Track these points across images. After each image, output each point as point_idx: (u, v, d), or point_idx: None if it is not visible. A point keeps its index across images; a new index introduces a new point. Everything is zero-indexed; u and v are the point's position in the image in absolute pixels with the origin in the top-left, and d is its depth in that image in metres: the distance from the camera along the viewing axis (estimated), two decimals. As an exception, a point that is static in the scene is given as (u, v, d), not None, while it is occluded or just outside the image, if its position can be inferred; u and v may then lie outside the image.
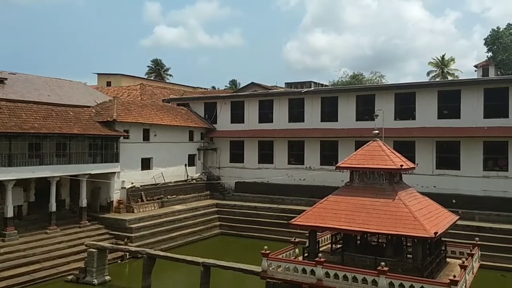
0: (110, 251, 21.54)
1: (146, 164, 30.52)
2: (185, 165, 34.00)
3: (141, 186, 29.42)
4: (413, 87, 29.83)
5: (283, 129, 33.16)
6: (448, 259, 16.98)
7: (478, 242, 17.72)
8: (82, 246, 21.92)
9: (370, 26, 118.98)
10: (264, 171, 33.56)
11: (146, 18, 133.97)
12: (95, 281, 19.96)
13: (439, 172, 27.80)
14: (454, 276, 13.02)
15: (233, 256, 22.42)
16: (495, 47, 50.97)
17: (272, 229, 28.37)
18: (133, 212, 27.57)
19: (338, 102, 31.55)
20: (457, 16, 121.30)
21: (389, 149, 17.06)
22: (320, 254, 15.17)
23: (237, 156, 35.31)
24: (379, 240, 17.44)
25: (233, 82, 77.67)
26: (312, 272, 14.51)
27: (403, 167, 16.10)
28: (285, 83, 53.99)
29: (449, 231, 15.98)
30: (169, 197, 30.92)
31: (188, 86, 57.12)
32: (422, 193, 17.61)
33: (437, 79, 54.85)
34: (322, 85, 55.62)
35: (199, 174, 35.21)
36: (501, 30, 51.56)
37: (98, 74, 54.72)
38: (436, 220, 15.29)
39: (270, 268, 15.44)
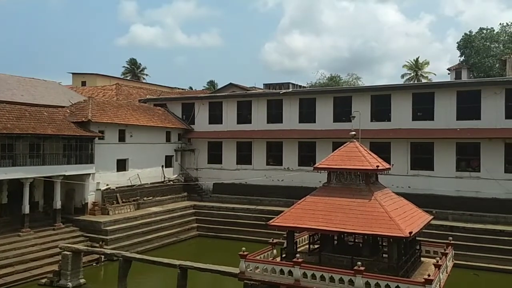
0: (85, 254, 21.19)
1: (121, 165, 30.09)
2: (162, 166, 33.66)
3: (116, 187, 28.98)
4: (389, 89, 30.33)
5: (262, 130, 33.21)
6: (422, 258, 17.28)
7: (452, 242, 18.10)
8: (56, 248, 21.49)
9: (347, 28, 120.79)
10: (243, 172, 33.52)
11: (122, 16, 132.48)
12: (70, 285, 19.58)
13: (413, 172, 28.33)
14: (429, 275, 13.24)
15: (210, 258, 22.30)
16: (467, 50, 52.34)
17: (250, 230, 28.36)
18: (108, 214, 27.13)
19: (316, 103, 31.80)
20: (432, 20, 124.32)
21: (365, 150, 17.28)
22: (298, 255, 15.21)
23: (215, 157, 35.17)
24: (356, 240, 17.61)
25: (211, 83, 77.40)
26: (290, 272, 14.55)
27: (379, 168, 16.32)
28: (264, 84, 54.21)
29: (423, 230, 16.27)
30: (145, 199, 30.54)
31: (165, 87, 56.66)
32: (397, 193, 17.89)
33: (411, 82, 55.93)
34: (300, 86, 56.02)
35: (176, 175, 34.92)
36: (473, 34, 52.98)
37: (72, 73, 53.75)
38: (410, 220, 15.54)
39: (248, 270, 15.41)
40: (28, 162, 23.39)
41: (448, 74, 55.86)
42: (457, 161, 27.50)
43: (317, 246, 17.49)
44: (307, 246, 18.03)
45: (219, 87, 56.17)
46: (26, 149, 23.36)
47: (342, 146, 17.41)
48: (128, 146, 30.52)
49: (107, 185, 28.44)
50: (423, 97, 28.67)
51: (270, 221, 16.40)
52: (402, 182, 27.13)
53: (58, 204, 25.24)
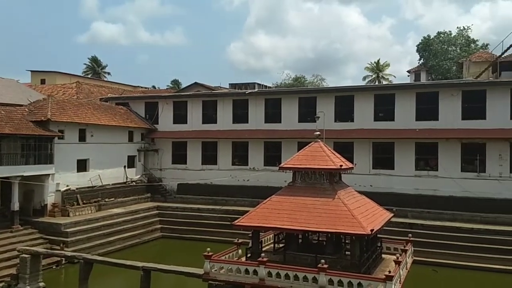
0: (44, 257, 20.48)
1: (82, 165, 29.28)
2: (124, 166, 32.99)
3: (77, 188, 28.18)
4: (352, 90, 30.97)
5: (227, 130, 33.13)
6: (383, 255, 17.74)
7: (411, 238, 18.68)
8: (14, 251, 20.62)
9: (312, 29, 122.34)
10: (208, 172, 33.32)
11: (82, 13, 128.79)
12: (28, 289, 18.88)
13: (375, 171, 29.02)
14: (389, 272, 13.60)
15: (174, 260, 22.06)
16: (426, 53, 54.19)
17: (216, 230, 28.23)
18: (68, 216, 26.38)
19: (281, 103, 32.03)
20: (393, 23, 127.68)
21: (329, 149, 17.55)
22: (262, 254, 15.29)
23: (179, 157, 34.78)
24: (320, 238, 17.89)
25: (175, 82, 76.53)
26: (255, 272, 14.60)
27: (342, 167, 16.63)
28: (229, 84, 54.03)
29: (384, 228, 16.68)
30: (107, 200, 29.84)
31: (128, 85, 55.53)
32: (360, 192, 18.30)
33: (372, 83, 57.32)
34: (266, 86, 56.25)
35: (139, 176, 34.29)
36: (432, 37, 54.89)
37: (31, 71, 51.76)
38: (372, 218, 15.92)
39: (213, 270, 15.35)
40: (-17, 162, 22.41)
41: (408, 76, 57.57)
42: (416, 161, 28.39)
43: (282, 245, 17.63)
44: (272, 245, 18.14)
45: (183, 86, 55.54)
46: (-19, 149, 22.39)
47: (307, 146, 17.63)
48: (89, 146, 29.72)
49: (67, 186, 27.63)
50: (384, 98, 29.42)
51: (235, 221, 16.40)
52: (365, 181, 27.70)
53: (16, 205, 24.32)
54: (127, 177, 32.97)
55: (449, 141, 27.35)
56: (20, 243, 22.14)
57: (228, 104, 33.64)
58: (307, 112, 30.32)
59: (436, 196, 27.17)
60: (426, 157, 28.40)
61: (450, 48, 53.28)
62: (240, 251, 17.34)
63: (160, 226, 30.47)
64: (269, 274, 14.40)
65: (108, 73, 71.61)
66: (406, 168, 28.31)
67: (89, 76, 65.46)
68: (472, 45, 54.12)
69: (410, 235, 19.12)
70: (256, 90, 39.25)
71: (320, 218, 15.17)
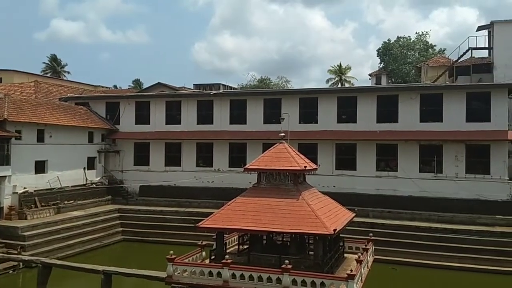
0: (0, 261, 19.85)
1: (40, 167, 28.29)
2: (84, 168, 32.07)
3: (35, 191, 27.19)
4: (316, 92, 31.45)
5: (192, 131, 32.80)
6: (346, 254, 18.05)
7: (372, 238, 19.10)
8: (-33, 257, 19.70)
9: (277, 31, 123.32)
10: (171, 174, 32.87)
11: (41, 10, 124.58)
12: (-19, 296, 18.07)
13: (338, 172, 29.52)
14: (351, 271, 13.85)
15: (137, 263, 21.68)
16: (386, 57, 55.71)
17: (179, 233, 27.86)
18: (26, 219, 25.43)
19: (246, 105, 32.05)
20: (355, 27, 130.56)
21: (294, 151, 17.71)
22: (227, 256, 15.21)
23: (142, 158, 34.11)
24: (284, 239, 17.99)
25: (137, 82, 75.19)
26: (219, 274, 14.52)
27: (306, 168, 16.81)
28: (194, 84, 53.59)
29: (346, 227, 16.97)
30: (66, 202, 28.92)
31: (88, 85, 54.09)
32: (324, 193, 18.55)
33: (335, 86, 58.39)
34: (231, 87, 56.18)
35: (99, 178, 33.42)
36: (392, 42, 56.50)
37: (-14, 69, 49.53)
38: (335, 218, 16.17)
39: (176, 273, 15.14)
40: None
41: (369, 79, 59.04)
42: (377, 162, 29.10)
43: (247, 246, 17.61)
44: (236, 247, 18.10)
45: (146, 86, 54.58)
46: None
47: (271, 147, 17.70)
48: (48, 147, 28.74)
49: (25, 188, 26.61)
50: (346, 101, 30.00)
51: (199, 223, 16.25)
52: (328, 182, 28.09)
53: (-32, 209, 23.25)
54: (87, 179, 32.08)
55: (408, 143, 28.21)
56: (-27, 248, 21.18)
57: (192, 104, 33.33)
58: (272, 114, 30.48)
59: (396, 196, 27.91)
60: (387, 158, 29.17)
61: (409, 53, 55.00)
62: (204, 253, 17.20)
63: (121, 229, 29.80)
64: (233, 275, 14.35)
65: (68, 72, 69.58)
66: (367, 169, 28.96)
67: (48, 75, 63.31)
68: (430, 50, 56.06)
69: (371, 234, 19.55)
70: (221, 91, 39.12)
71: (285, 219, 15.25)
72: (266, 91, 40.51)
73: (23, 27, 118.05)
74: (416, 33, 58.58)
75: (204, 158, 32.89)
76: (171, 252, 15.41)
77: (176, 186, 32.12)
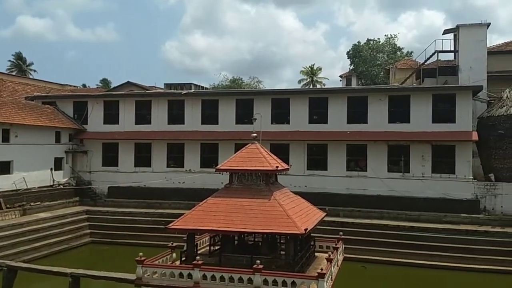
0: (-39, 266, 18.89)
1: (5, 168, 27.46)
2: (51, 169, 31.22)
3: (-1, 192, 26.34)
4: (288, 93, 31.67)
5: (162, 131, 32.41)
6: (316, 253, 18.21)
7: (342, 236, 19.35)
8: None
9: (249, 31, 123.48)
10: (141, 174, 32.39)
11: (6, 5, 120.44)
12: None
13: (309, 172, 29.81)
14: (322, 269, 13.99)
15: (105, 265, 21.22)
16: (356, 59, 56.70)
17: (149, 234, 27.46)
18: (-12, 222, 24.55)
19: (218, 105, 31.92)
20: (326, 29, 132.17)
21: (266, 151, 17.71)
22: (198, 257, 15.07)
23: (110, 159, 33.47)
24: (256, 239, 18.00)
25: (106, 81, 73.76)
26: (189, 275, 14.37)
27: (278, 169, 16.87)
28: (164, 84, 52.91)
29: (317, 227, 17.14)
30: (32, 204, 28.08)
31: (55, 83, 52.53)
32: (295, 192, 18.66)
33: (307, 87, 59.00)
34: (202, 87, 55.83)
35: (67, 179, 32.61)
36: (361, 44, 57.54)
37: None
38: (306, 218, 16.29)
39: (146, 275, 14.91)
40: None
41: (340, 80, 59.96)
42: (347, 162, 29.56)
43: (218, 247, 17.53)
44: (207, 248, 17.99)
45: (115, 85, 53.57)
46: None
47: (243, 148, 17.67)
48: (13, 147, 27.89)
49: (-14, 190, 25.73)
50: (318, 101, 30.32)
51: (170, 225, 16.06)
52: (300, 182, 28.32)
53: None
54: (54, 180, 31.26)
55: (377, 143, 28.76)
56: None
57: (163, 104, 32.95)
58: (244, 114, 30.49)
59: (366, 195, 28.41)
60: (356, 158, 29.66)
61: (378, 55, 56.18)
62: (174, 254, 17.00)
63: (89, 231, 29.17)
64: (204, 277, 14.25)
65: (34, 71, 67.65)
66: (338, 169, 29.36)
67: (13, 73, 61.30)
68: (398, 52, 57.41)
69: (341, 233, 19.80)
70: (192, 90, 38.80)
71: (256, 219, 15.25)
72: (238, 91, 40.47)
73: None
74: (385, 35, 60.00)
75: (175, 158, 32.56)
76: (141, 254, 15.16)
77: (146, 187, 31.69)
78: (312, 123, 30.07)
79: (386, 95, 29.09)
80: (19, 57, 66.63)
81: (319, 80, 63.50)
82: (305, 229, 14.82)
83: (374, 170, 28.74)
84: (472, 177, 27.50)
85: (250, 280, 13.83)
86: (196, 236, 17.02)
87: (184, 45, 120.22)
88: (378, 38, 58.44)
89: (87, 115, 34.13)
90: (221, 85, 60.43)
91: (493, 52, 33.63)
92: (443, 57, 35.96)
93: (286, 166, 18.11)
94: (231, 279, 14.04)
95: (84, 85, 64.78)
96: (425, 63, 35.29)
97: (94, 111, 34.05)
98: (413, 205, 27.31)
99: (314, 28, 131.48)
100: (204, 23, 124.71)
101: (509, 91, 28.28)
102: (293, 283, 13.63)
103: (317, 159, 30.02)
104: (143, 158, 32.97)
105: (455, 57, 35.03)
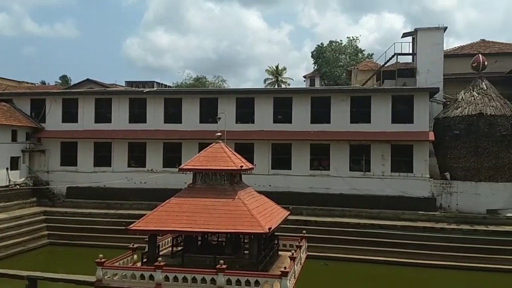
0: None
1: (-44, 168, 26.15)
2: (7, 168, 30.02)
3: None
4: (252, 92, 31.77)
5: (123, 130, 31.73)
6: (280, 252, 18.34)
7: (305, 235, 19.59)
8: None
9: (213, 30, 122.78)
10: (101, 174, 31.60)
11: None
12: None
13: (274, 172, 29.99)
14: (285, 268, 14.09)
15: (64, 267, 20.67)
16: (320, 60, 57.56)
17: (110, 236, 26.84)
18: None
19: (182, 104, 31.57)
20: (291, 29, 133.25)
21: (230, 150, 17.66)
22: (160, 258, 14.85)
23: (69, 158, 32.48)
24: (220, 239, 17.93)
25: (66, 78, 71.49)
26: (151, 277, 14.15)
27: (243, 168, 16.86)
28: (126, 81, 51.87)
29: (281, 226, 17.25)
30: (-15, 205, 26.94)
31: (12, 80, 50.45)
32: (259, 192, 18.69)
33: (272, 87, 59.36)
34: (165, 85, 55.12)
35: (23, 179, 31.41)
36: (324, 46, 58.46)
37: None
38: (270, 217, 16.38)
39: (106, 277, 14.56)
40: None
41: (304, 81, 60.75)
42: (311, 161, 29.94)
43: (181, 248, 17.36)
44: (170, 249, 17.77)
45: (74, 82, 52.03)
46: None
47: (208, 147, 17.56)
48: (-36, 146, 26.63)
49: None
50: (282, 101, 30.55)
51: (131, 226, 15.74)
52: (264, 181, 28.44)
53: None
54: (10, 180, 30.09)
55: (340, 143, 29.30)
56: None
57: (124, 103, 32.26)
58: (209, 113, 30.24)
59: (328, 194, 28.89)
60: (320, 158, 30.09)
61: (341, 56, 57.26)
62: (135, 256, 16.68)
63: (47, 232, 28.25)
64: (166, 278, 14.05)
65: (-11, 67, 64.61)
66: (302, 168, 29.70)
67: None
68: (360, 54, 58.72)
69: (304, 231, 20.02)
70: (155, 89, 38.19)
71: (220, 219, 15.19)
72: (202, 90, 40.22)
73: None
74: (348, 37, 61.16)
75: (137, 158, 31.95)
76: (101, 255, 14.80)
77: (106, 188, 30.99)
78: (277, 123, 30.27)
79: (348, 96, 29.68)
80: (-28, 52, 63.53)
81: (284, 80, 64.00)
82: (269, 228, 14.89)
83: (336, 169, 29.27)
84: (429, 176, 28.49)
85: (213, 281, 13.76)
86: (158, 237, 16.77)
87: (147, 42, 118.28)
88: (341, 40, 59.64)
89: (45, 113, 33.01)
90: (185, 84, 59.87)
91: (449, 55, 34.97)
92: (402, 59, 37.08)
93: (250, 166, 18.12)
94: (194, 280, 13.92)
95: (43, 82, 62.55)
96: (385, 65, 36.27)
97: (52, 109, 32.97)
98: (374, 203, 27.99)
99: (279, 28, 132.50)
100: (167, 20, 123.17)
101: (464, 93, 29.48)
102: (257, 282, 13.67)
103: (281, 159, 30.25)
104: (103, 158, 32.17)
105: (413, 60, 36.20)
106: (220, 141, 17.61)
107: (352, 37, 60.12)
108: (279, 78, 63.65)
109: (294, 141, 29.82)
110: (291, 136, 29.58)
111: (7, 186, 29.66)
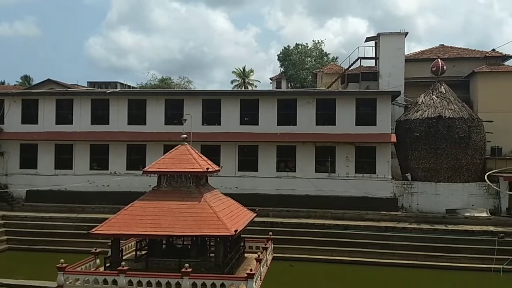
0: None
1: None
2: (-39, 172, 28.70)
3: None
4: (219, 94, 31.67)
5: (85, 132, 30.95)
6: (246, 254, 18.39)
7: (272, 236, 19.71)
8: None
9: (179, 30, 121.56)
10: (62, 177, 30.71)
11: None
12: None
13: (240, 173, 29.98)
14: (251, 270, 14.13)
15: (24, 273, 19.96)
16: (286, 63, 58.02)
17: (71, 240, 26.08)
18: None
19: (146, 105, 31.09)
20: (257, 31, 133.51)
21: (196, 152, 17.58)
22: (123, 263, 14.59)
23: (29, 161, 31.40)
24: (185, 242, 17.78)
25: (26, 78, 69.00)
26: (114, 282, 13.88)
27: (209, 170, 16.79)
28: (88, 82, 50.68)
29: (248, 227, 17.30)
30: None
31: (-32, 79, 48.42)
32: (226, 194, 18.71)
33: (239, 88, 59.42)
34: (129, 86, 54.17)
35: (-21, 182, 30.11)
36: (290, 48, 59.00)
37: None
38: (236, 219, 16.39)
39: (67, 283, 14.19)
40: None
41: (271, 83, 61.07)
42: (277, 163, 30.13)
43: (145, 252, 17.09)
44: (133, 253, 17.48)
45: (35, 83, 50.37)
46: None
47: (173, 149, 17.40)
48: None
49: None
50: (249, 103, 30.60)
51: (93, 230, 15.38)
52: (231, 183, 28.42)
53: None
54: (-37, 184, 28.74)
55: (305, 145, 29.64)
56: None
57: (86, 104, 31.48)
58: (174, 115, 29.93)
59: (294, 195, 29.15)
60: (286, 159, 30.32)
61: (306, 59, 57.86)
62: (98, 261, 16.33)
63: (6, 237, 27.13)
64: (130, 282, 13.82)
65: None
66: (268, 170, 29.83)
67: None
68: (325, 57, 59.59)
69: (270, 233, 20.15)
70: (118, 89, 37.43)
71: (185, 222, 15.07)
72: (167, 91, 39.75)
73: None
74: (313, 41, 61.89)
75: (99, 160, 31.21)
76: (62, 260, 14.41)
77: (67, 191, 30.15)
78: (243, 125, 30.29)
79: (314, 99, 30.07)
80: None
81: (250, 82, 64.19)
82: (235, 231, 14.90)
83: (302, 170, 29.57)
84: (391, 177, 29.23)
85: (178, 284, 13.64)
86: (121, 241, 16.48)
87: (110, 41, 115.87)
88: (306, 43, 60.30)
89: (3, 114, 31.85)
90: (150, 85, 59.01)
91: (410, 60, 35.99)
92: (365, 63, 37.88)
93: (216, 168, 18.08)
94: (159, 284, 13.76)
95: (2, 82, 60.21)
96: (349, 69, 36.96)
97: (11, 110, 31.84)
98: (338, 203, 28.43)
99: (246, 30, 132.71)
100: (132, 19, 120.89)
101: (424, 97, 30.47)
102: (222, 285, 13.65)
103: (248, 160, 30.28)
104: (64, 160, 31.25)
105: (376, 64, 37.06)
106: (186, 143, 17.50)
107: (318, 40, 61.02)
108: (246, 80, 63.82)
109: (261, 143, 29.93)
110: (258, 138, 29.66)
111: (-39, 190, 28.41)
